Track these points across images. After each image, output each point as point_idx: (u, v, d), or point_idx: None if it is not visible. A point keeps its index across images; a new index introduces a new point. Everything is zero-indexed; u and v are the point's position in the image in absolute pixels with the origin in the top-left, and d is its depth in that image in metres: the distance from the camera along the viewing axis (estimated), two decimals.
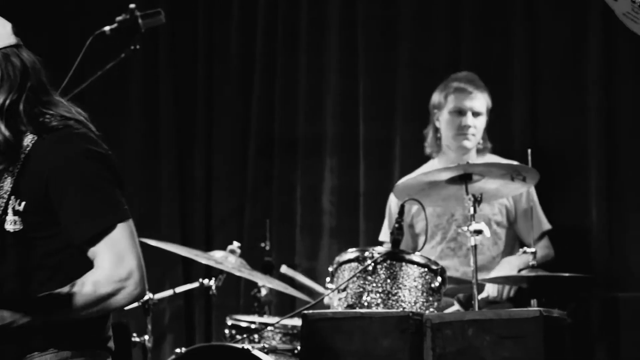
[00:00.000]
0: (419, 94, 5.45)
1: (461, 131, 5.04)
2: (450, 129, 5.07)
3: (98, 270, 2.64)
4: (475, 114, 5.05)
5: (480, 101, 5.06)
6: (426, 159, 5.28)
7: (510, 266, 4.90)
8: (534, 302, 4.43)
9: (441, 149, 5.17)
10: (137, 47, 4.38)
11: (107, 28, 4.31)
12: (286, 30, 5.99)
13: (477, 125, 5.06)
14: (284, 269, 5.34)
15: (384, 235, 5.27)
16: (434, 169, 4.87)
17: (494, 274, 4.88)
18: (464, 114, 5.04)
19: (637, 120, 5.20)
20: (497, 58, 5.52)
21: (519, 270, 4.89)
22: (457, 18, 5.60)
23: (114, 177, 2.75)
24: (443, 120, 5.10)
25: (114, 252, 2.65)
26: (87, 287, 2.62)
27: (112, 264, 2.64)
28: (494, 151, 5.19)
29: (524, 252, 4.59)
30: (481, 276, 4.78)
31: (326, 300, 4.30)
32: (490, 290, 4.87)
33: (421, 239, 5.10)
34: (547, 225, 5.13)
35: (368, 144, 5.73)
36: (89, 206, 2.68)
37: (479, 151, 5.13)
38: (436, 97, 5.14)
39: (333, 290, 4.20)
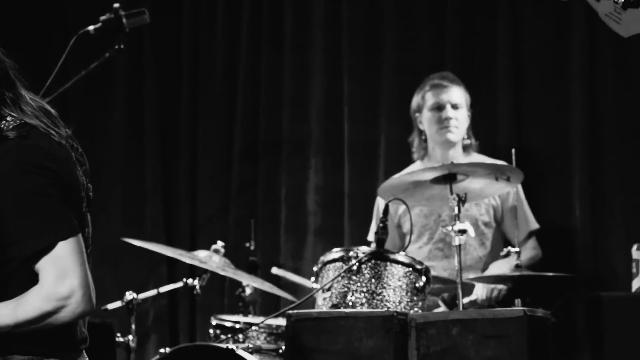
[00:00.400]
0: (403, 95, 5.46)
1: (442, 124, 5.06)
2: (432, 125, 5.10)
3: (40, 288, 2.59)
4: (454, 106, 5.07)
5: (457, 94, 5.08)
6: (409, 158, 5.28)
7: (498, 271, 4.89)
8: (518, 301, 4.44)
9: (427, 152, 5.18)
10: (122, 46, 4.37)
11: (91, 27, 4.30)
12: (271, 31, 5.98)
13: (459, 117, 5.08)
14: (274, 270, 5.34)
15: (372, 235, 5.28)
16: (418, 169, 4.89)
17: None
18: (443, 107, 5.07)
19: (620, 119, 5.22)
20: (481, 58, 5.54)
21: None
22: (440, 19, 5.61)
23: (59, 192, 2.59)
24: (425, 119, 5.13)
25: (56, 269, 2.59)
26: (29, 303, 2.58)
27: (54, 282, 2.58)
28: (481, 150, 5.20)
29: (509, 252, 4.60)
30: (468, 277, 4.80)
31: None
32: (480, 293, 4.87)
33: (408, 239, 5.11)
34: (534, 225, 5.13)
35: (353, 144, 5.74)
36: (27, 225, 2.58)
37: (465, 148, 5.14)
38: (415, 101, 5.18)
39: (317, 290, 4.21)
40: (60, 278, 2.57)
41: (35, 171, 2.57)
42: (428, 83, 5.13)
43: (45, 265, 2.57)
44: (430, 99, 5.09)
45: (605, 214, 5.22)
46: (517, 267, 4.49)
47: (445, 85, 5.08)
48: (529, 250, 5.07)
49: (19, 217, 2.57)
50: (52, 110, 2.72)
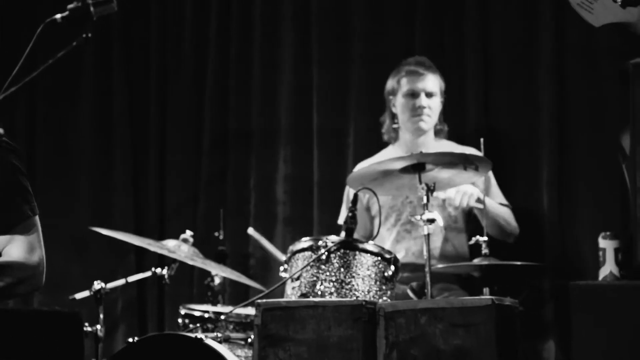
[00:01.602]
0: (372, 85, 5.47)
1: (416, 112, 5.09)
2: (405, 111, 5.11)
3: (13, 257, 2.65)
4: (429, 95, 5.09)
5: (432, 82, 5.10)
6: (379, 148, 5.30)
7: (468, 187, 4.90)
8: (486, 290, 4.48)
9: (398, 135, 5.20)
10: (89, 35, 4.34)
11: (58, 16, 4.26)
12: (240, 22, 5.97)
13: (432, 105, 5.10)
14: (250, 230, 5.34)
15: (342, 219, 5.30)
16: (389, 156, 4.91)
17: (449, 190, 4.87)
18: (417, 95, 5.08)
19: (589, 109, 5.25)
20: (451, 49, 5.55)
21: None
22: (410, 9, 5.62)
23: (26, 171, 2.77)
24: (398, 104, 5.14)
25: (28, 241, 2.66)
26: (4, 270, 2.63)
27: (26, 252, 2.65)
28: (451, 137, 5.22)
29: (477, 241, 4.62)
30: (439, 261, 4.82)
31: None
32: (453, 197, 4.88)
33: (377, 222, 5.13)
34: (504, 201, 5.16)
35: (322, 134, 5.74)
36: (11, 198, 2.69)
37: (437, 133, 5.17)
38: (390, 84, 5.19)
39: (287, 279, 4.21)
40: (31, 250, 2.62)
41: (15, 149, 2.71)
42: (404, 68, 5.14)
43: (16, 238, 2.63)
44: (405, 85, 5.10)
45: (573, 203, 5.24)
46: (485, 256, 4.52)
47: (421, 72, 5.10)
48: (507, 210, 5.09)
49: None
50: None
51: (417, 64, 5.15)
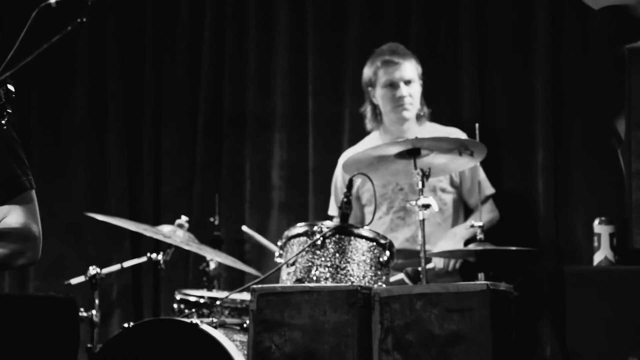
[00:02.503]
0: None
1: (397, 103, 5.10)
2: (387, 103, 5.12)
3: (15, 227, 2.67)
4: (407, 82, 5.09)
5: (409, 69, 5.10)
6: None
7: (456, 239, 4.95)
8: (481, 275, 4.48)
9: (382, 123, 5.20)
10: (84, 20, 4.32)
11: (52, 0, 4.26)
12: (235, 7, 5.96)
13: (412, 93, 5.10)
14: (244, 228, 5.35)
15: (333, 209, 5.31)
16: (376, 142, 4.94)
17: (440, 245, 4.92)
18: (397, 86, 5.09)
19: (584, 95, 5.25)
20: (445, 36, 5.54)
21: (466, 243, 4.94)
22: None
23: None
24: (379, 96, 5.15)
25: (29, 212, 2.70)
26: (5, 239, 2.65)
27: (25, 222, 2.68)
28: (447, 123, 5.22)
29: (472, 225, 4.63)
30: (428, 244, 4.83)
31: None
32: (437, 262, 4.92)
33: (367, 210, 5.13)
34: (490, 190, 5.19)
35: (317, 120, 5.74)
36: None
37: (418, 118, 5.16)
38: (366, 75, 5.20)
39: (282, 265, 4.22)
40: (31, 221, 2.65)
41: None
42: (379, 58, 5.14)
43: (16, 208, 2.67)
44: (382, 76, 5.11)
45: (568, 188, 5.25)
46: (480, 241, 4.52)
47: (396, 62, 5.09)
48: (487, 213, 5.12)
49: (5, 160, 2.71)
50: None
51: (391, 52, 5.13)
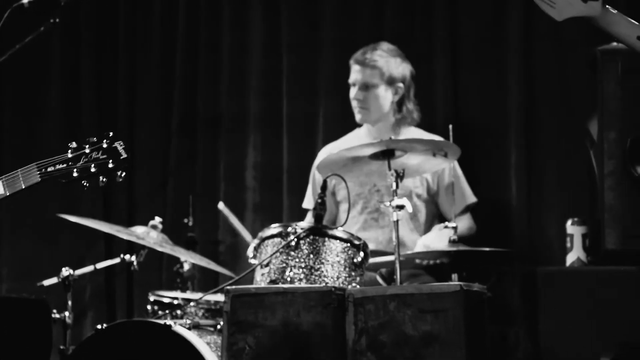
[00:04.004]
0: (342, 70, 5.45)
1: (352, 104, 5.12)
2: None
3: None
4: (364, 87, 5.09)
5: (369, 73, 5.09)
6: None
7: (441, 233, 4.91)
8: (454, 276, 4.49)
9: None
10: (57, 20, 4.31)
11: (25, 0, 4.24)
12: (209, 7, 5.95)
13: (368, 97, 5.09)
14: (221, 205, 5.33)
15: (307, 202, 5.31)
16: (362, 138, 4.96)
17: (424, 238, 4.91)
18: (354, 87, 5.10)
19: (557, 95, 5.28)
20: (419, 35, 5.55)
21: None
22: None
23: None
24: None
25: None
26: None
27: None
28: (420, 125, 5.23)
29: (445, 226, 4.64)
30: (406, 248, 4.83)
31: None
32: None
33: (342, 208, 5.14)
34: (472, 198, 5.18)
35: (291, 120, 5.74)
36: None
37: (399, 122, 5.16)
38: None
39: (256, 266, 4.21)
40: None
41: None
42: (353, 56, 5.16)
43: None
44: (350, 74, 5.13)
45: (541, 189, 5.28)
46: (454, 242, 4.53)
47: (359, 63, 5.09)
48: (465, 223, 5.12)
49: None
50: None
51: (362, 53, 5.13)
